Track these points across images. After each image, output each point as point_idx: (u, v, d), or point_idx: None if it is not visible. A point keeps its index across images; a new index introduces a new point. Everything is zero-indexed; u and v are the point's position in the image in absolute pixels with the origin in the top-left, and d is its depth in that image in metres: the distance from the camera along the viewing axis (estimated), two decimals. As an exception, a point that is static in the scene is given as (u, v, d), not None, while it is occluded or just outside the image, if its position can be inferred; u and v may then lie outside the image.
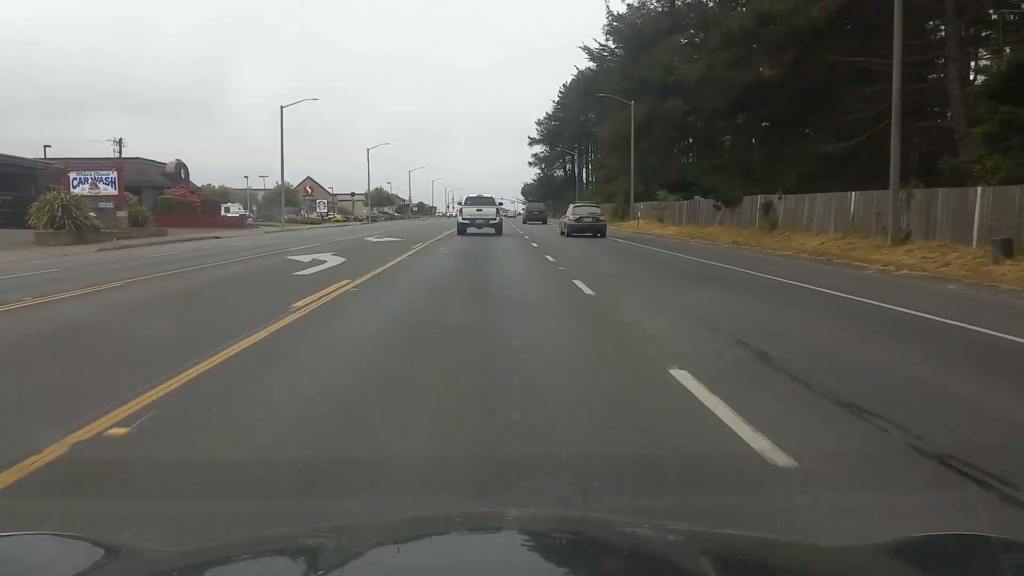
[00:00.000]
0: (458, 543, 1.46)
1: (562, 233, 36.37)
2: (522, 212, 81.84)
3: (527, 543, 1.47)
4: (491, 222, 37.09)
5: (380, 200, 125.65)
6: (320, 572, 1.24)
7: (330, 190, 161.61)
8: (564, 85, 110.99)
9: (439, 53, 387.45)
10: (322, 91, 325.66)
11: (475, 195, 41.80)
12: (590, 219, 35.15)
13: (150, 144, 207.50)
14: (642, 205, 52.87)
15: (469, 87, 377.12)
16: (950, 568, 1.35)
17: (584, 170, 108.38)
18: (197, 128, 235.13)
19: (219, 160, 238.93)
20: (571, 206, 40.99)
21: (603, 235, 34.07)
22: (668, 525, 1.87)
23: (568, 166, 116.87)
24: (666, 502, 3.55)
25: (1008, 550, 1.38)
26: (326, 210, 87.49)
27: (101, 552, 1.33)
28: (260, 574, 1.34)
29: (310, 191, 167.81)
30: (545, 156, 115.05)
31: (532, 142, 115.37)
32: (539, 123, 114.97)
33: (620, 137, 57.38)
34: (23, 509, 3.46)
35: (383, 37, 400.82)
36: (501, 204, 46.34)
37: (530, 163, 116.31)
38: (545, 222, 59.36)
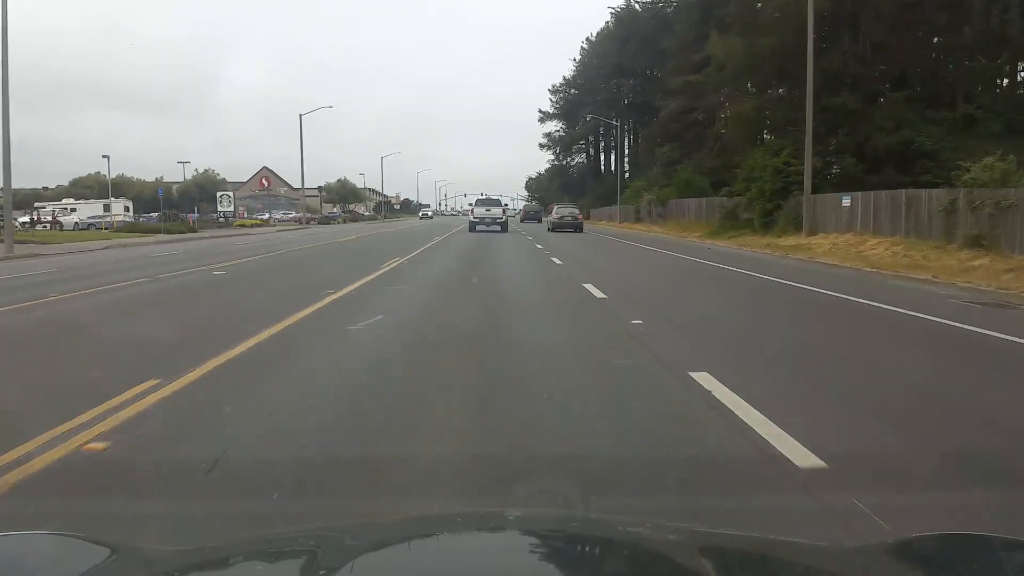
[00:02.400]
0: (459, 543, 1.46)
1: (548, 229, 42.82)
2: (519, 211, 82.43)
3: (528, 543, 1.47)
4: (498, 221, 40.94)
5: (344, 195, 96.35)
6: (321, 572, 1.23)
7: (288, 182, 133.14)
8: (587, 39, 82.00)
9: (438, 42, 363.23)
10: (312, 84, 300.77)
11: (484, 197, 49.95)
12: (570, 217, 42.86)
13: (138, 141, 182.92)
14: (845, 199, 22.91)
15: (468, 76, 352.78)
16: (952, 568, 1.34)
17: (617, 153, 78.82)
18: (182, 123, 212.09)
19: (209, 157, 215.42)
20: (555, 207, 50.05)
21: (580, 231, 41.09)
22: (670, 525, 1.85)
23: (591, 150, 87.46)
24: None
25: (1010, 549, 1.36)
26: (231, 208, 57.51)
27: (101, 552, 1.32)
28: (261, 573, 1.33)
29: (266, 183, 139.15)
30: (561, 136, 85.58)
31: (544, 117, 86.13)
32: (553, 91, 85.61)
33: (764, 54, 28.00)
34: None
35: (376, 28, 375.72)
36: (506, 206, 51.33)
37: (541, 145, 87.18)
38: (540, 221, 60.92)
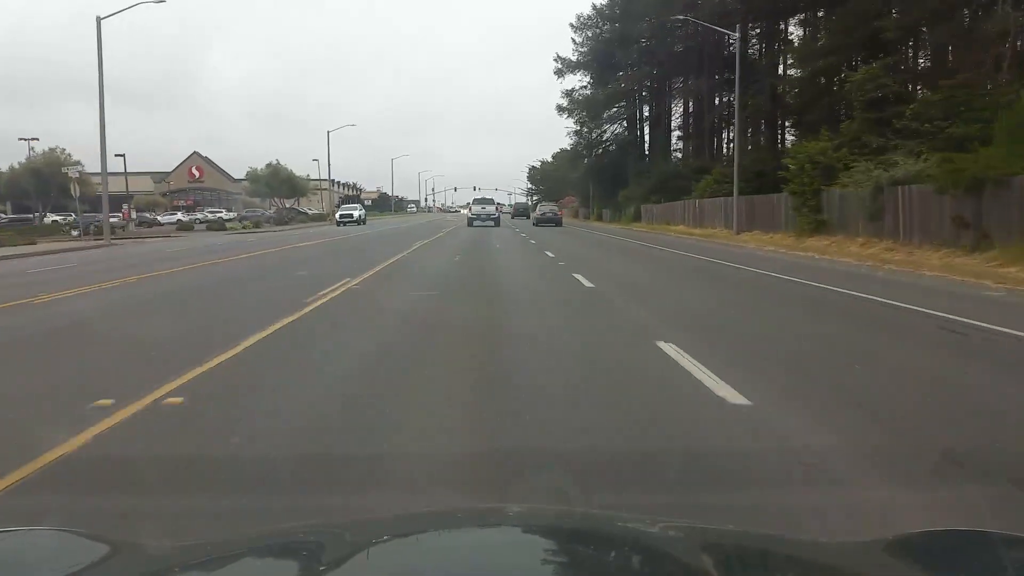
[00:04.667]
0: (460, 539, 1.46)
1: (533, 224, 47.66)
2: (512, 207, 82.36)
3: (529, 539, 1.47)
4: (492, 217, 46.16)
5: (276, 185, 67.59)
6: (322, 568, 1.22)
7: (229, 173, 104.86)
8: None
9: (434, 32, 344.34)
10: (300, 77, 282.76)
11: (480, 197, 55.91)
12: (550, 214, 48.34)
13: (121, 135, 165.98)
14: None
15: (463, 70, 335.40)
16: (952, 564, 1.33)
17: (742, 87, 51.29)
18: (166, 115, 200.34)
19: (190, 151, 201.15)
20: (539, 205, 62.10)
21: (560, 224, 46.38)
22: (670, 521, 1.78)
23: (632, 124, 58.94)
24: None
25: (1010, 545, 1.36)
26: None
27: (101, 548, 1.33)
28: (261, 570, 1.32)
29: (197, 174, 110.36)
30: (588, 95, 56.96)
31: (563, 68, 57.52)
32: (578, 27, 56.94)
33: None
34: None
35: (369, 21, 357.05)
36: (499, 204, 59.70)
37: (560, 108, 58.13)
38: (528, 217, 62.72)
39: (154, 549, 1.44)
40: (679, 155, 54.27)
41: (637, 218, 49.01)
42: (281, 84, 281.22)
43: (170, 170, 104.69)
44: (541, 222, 46.96)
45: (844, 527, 2.94)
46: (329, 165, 66.74)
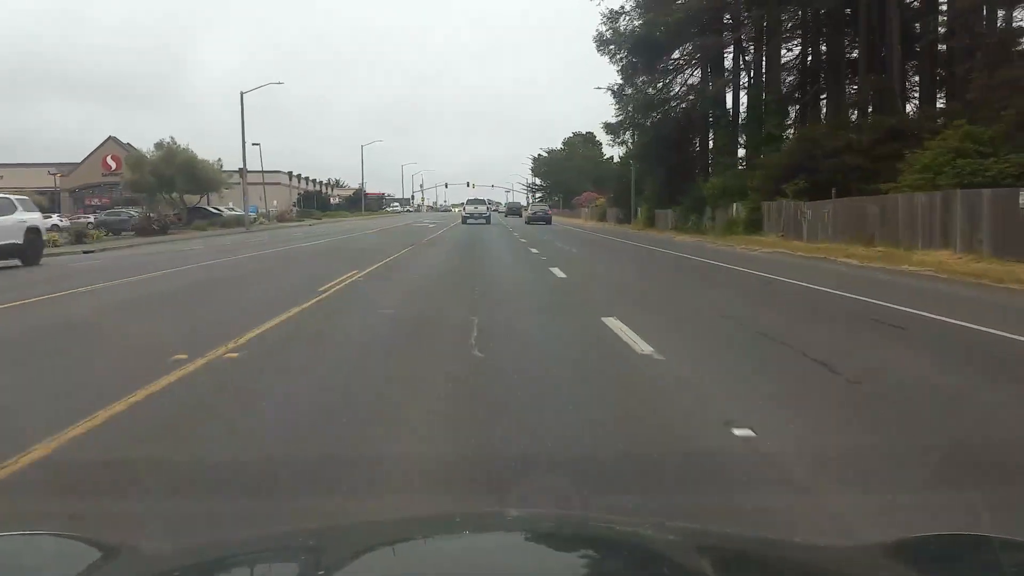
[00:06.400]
0: (458, 543, 1.44)
1: (525, 222, 53.41)
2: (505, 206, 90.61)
3: (527, 543, 1.46)
4: (484, 215, 52.29)
5: (171, 174, 45.06)
6: (320, 572, 1.21)
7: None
8: None
9: (423, 29, 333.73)
10: (292, 72, 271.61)
11: (474, 198, 62.63)
12: (541, 213, 54.53)
13: (100, 131, 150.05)
14: None
15: (455, 65, 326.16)
16: (950, 568, 1.33)
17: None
18: (153, 112, 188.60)
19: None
20: (531, 205, 70.95)
21: (549, 223, 51.17)
22: (669, 524, 1.78)
23: (714, 71, 36.36)
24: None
25: (1008, 549, 1.35)
26: None
27: (99, 552, 1.31)
28: (259, 574, 1.31)
29: (114, 164, 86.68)
30: (643, 21, 34.61)
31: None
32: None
33: None
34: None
35: (359, 15, 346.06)
36: (491, 204, 73.37)
37: (600, 43, 35.63)
38: (520, 215, 69.35)
39: (154, 553, 1.43)
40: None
41: (753, 227, 26.70)
42: (265, 79, 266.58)
43: (78, 161, 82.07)
44: (533, 220, 52.41)
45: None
46: (244, 144, 44.28)
